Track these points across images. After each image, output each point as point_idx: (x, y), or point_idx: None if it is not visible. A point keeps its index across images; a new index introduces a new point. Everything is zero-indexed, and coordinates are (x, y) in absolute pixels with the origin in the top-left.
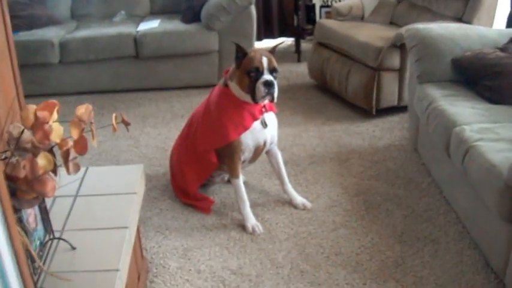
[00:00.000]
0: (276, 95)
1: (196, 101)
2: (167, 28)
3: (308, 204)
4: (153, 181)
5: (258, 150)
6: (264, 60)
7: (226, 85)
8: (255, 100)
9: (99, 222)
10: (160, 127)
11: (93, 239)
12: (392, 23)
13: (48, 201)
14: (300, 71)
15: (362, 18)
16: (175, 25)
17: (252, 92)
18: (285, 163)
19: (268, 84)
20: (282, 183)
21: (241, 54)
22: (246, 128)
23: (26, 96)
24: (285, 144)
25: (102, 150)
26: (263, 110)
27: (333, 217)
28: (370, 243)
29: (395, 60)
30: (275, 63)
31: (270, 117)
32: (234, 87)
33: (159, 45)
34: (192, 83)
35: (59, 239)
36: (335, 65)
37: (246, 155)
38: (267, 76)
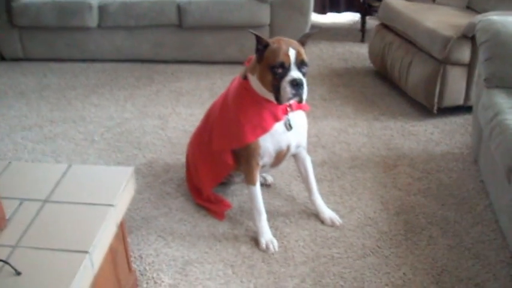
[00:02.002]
0: (305, 96)
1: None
2: None
3: (337, 221)
4: (170, 172)
5: (280, 155)
6: (291, 53)
7: (246, 78)
8: (279, 101)
9: (58, 240)
10: (194, 107)
11: (46, 262)
12: (469, 8)
13: (13, 205)
14: (362, 53)
15: (433, 0)
16: None
17: (276, 91)
18: (323, 164)
19: (296, 84)
20: (310, 192)
21: (262, 45)
22: (265, 131)
23: (64, 60)
24: (327, 140)
25: (125, 129)
26: (288, 109)
27: (364, 240)
28: (401, 280)
29: (465, 53)
30: (304, 56)
31: (297, 117)
32: (254, 82)
33: (204, 14)
34: (238, 58)
35: (1, 261)
36: (397, 52)
37: (266, 159)
38: (294, 73)
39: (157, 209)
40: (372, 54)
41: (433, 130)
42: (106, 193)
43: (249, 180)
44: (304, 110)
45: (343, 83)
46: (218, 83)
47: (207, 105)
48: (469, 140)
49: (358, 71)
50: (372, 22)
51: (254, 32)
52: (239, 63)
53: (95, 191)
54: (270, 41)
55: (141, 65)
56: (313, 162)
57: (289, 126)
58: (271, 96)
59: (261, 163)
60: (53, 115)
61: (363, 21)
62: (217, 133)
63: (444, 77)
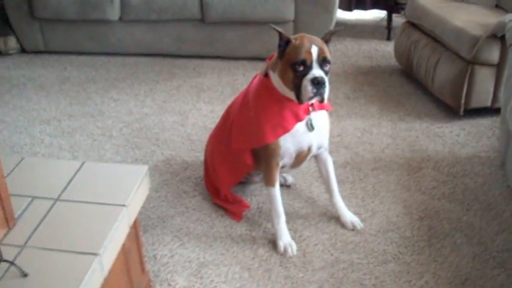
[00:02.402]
0: (326, 95)
1: None
2: None
3: (358, 224)
4: (188, 170)
5: (300, 156)
6: (314, 50)
7: (267, 75)
8: (300, 100)
9: (68, 241)
10: (215, 103)
11: (54, 264)
12: (498, 6)
13: (23, 203)
14: (387, 51)
15: None
16: None
17: (297, 89)
18: (345, 165)
19: (318, 83)
20: (331, 195)
21: (284, 41)
22: (286, 130)
23: (84, 53)
24: (350, 140)
25: (144, 125)
26: (310, 109)
27: (385, 245)
28: None
29: (494, 54)
30: (327, 54)
31: (320, 117)
32: (275, 79)
33: (227, 9)
34: (261, 55)
35: (8, 262)
36: (424, 51)
37: (286, 160)
38: (316, 71)
39: (173, 208)
40: (397, 52)
41: (459, 132)
42: (119, 192)
43: (268, 181)
44: (327, 110)
45: (367, 82)
46: (240, 79)
47: (229, 102)
48: (496, 143)
49: (384, 69)
50: (398, 20)
51: (276, 28)
52: (262, 59)
53: (108, 190)
54: (292, 37)
55: (162, 59)
56: (335, 162)
57: (310, 127)
58: (292, 95)
59: (281, 164)
60: (72, 109)
61: (389, 18)
62: (236, 132)
63: (472, 78)
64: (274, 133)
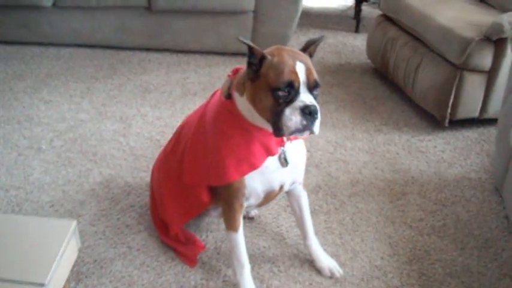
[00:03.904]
0: (318, 128)
1: (218, 73)
2: None
3: (337, 271)
4: (131, 196)
5: (270, 196)
6: (300, 69)
7: (230, 96)
8: (279, 133)
9: None
10: (162, 107)
11: None
12: (483, 1)
13: None
14: (357, 46)
15: None
16: None
17: (277, 120)
18: (317, 190)
19: (310, 113)
20: (305, 236)
21: (258, 59)
22: (253, 168)
23: (14, 43)
24: (321, 157)
25: (79, 135)
26: (284, 140)
27: None
28: None
29: (486, 59)
30: (315, 75)
31: (295, 147)
32: (243, 104)
33: None
34: (216, 49)
35: None
36: (402, 50)
37: (252, 201)
38: (305, 97)
39: (113, 248)
40: (371, 49)
41: (444, 147)
42: (36, 266)
43: (229, 226)
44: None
45: (337, 83)
46: (192, 77)
47: (178, 106)
48: (486, 161)
49: (354, 67)
50: (367, 9)
51: (246, 41)
52: (217, 53)
53: (22, 262)
54: (267, 51)
55: (102, 51)
56: (305, 186)
57: (284, 162)
58: (266, 125)
59: (245, 205)
60: None
61: (358, 8)
62: (190, 163)
63: (460, 85)
64: (239, 170)
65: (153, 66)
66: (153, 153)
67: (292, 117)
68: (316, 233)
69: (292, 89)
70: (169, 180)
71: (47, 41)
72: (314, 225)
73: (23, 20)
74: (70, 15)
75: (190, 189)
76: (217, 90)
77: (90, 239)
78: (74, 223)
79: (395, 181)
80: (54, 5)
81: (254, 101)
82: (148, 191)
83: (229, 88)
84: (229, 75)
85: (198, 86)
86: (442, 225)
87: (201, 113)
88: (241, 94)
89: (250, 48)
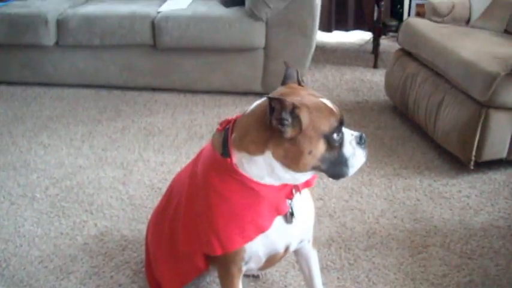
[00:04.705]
0: None
1: (227, 114)
2: (197, 11)
3: None
4: (127, 251)
5: (273, 259)
6: (330, 104)
7: (226, 156)
8: (339, 177)
9: None
10: (166, 152)
11: None
12: (507, 32)
13: None
14: (375, 82)
15: (467, 22)
16: (209, 8)
17: (336, 165)
18: (330, 243)
19: (364, 141)
20: None
21: (290, 109)
22: (261, 231)
23: (17, 83)
24: (335, 206)
25: (76, 183)
26: (293, 192)
27: None
28: None
29: None
30: None
31: (303, 198)
32: (254, 163)
33: (184, 33)
34: (225, 88)
35: None
36: (423, 87)
37: (252, 265)
38: (345, 130)
39: None
40: (389, 86)
41: (470, 192)
42: None
43: None
44: (309, 187)
45: (354, 122)
46: (199, 119)
47: (184, 150)
48: None
49: (372, 105)
50: (386, 43)
51: (276, 97)
52: (225, 93)
53: None
54: (285, 97)
55: (107, 92)
56: (317, 240)
57: (290, 217)
58: (281, 180)
59: (244, 268)
60: None
61: (376, 42)
62: (185, 230)
63: (485, 124)
64: (244, 236)
65: (159, 108)
66: (153, 202)
67: (355, 153)
68: None
69: (341, 128)
70: (161, 243)
71: (50, 82)
72: (325, 283)
73: (25, 60)
74: (73, 55)
75: (184, 254)
76: (202, 150)
77: None
78: None
79: (416, 232)
80: (56, 43)
81: (294, 157)
82: (144, 246)
83: (222, 145)
84: (218, 129)
85: (205, 128)
86: (468, 282)
87: (192, 172)
88: (255, 153)
89: (281, 102)
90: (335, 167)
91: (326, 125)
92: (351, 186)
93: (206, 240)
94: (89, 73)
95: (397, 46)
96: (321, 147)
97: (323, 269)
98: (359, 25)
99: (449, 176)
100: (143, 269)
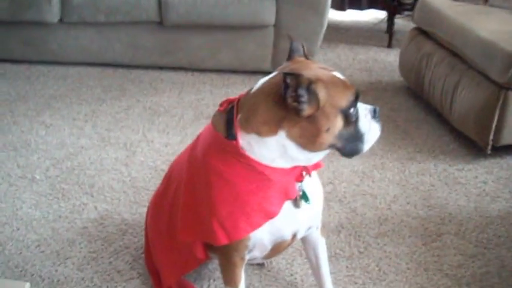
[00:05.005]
0: None
1: (235, 93)
2: None
3: None
4: (127, 235)
5: (279, 247)
6: (342, 78)
7: (232, 138)
8: (353, 155)
9: None
10: (171, 132)
11: None
12: None
13: None
14: (389, 62)
15: (486, 0)
16: None
17: (352, 141)
18: (339, 230)
19: (377, 114)
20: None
21: (306, 84)
22: (269, 217)
23: (20, 61)
24: (345, 190)
25: (78, 164)
26: (303, 174)
27: None
28: None
29: None
30: None
31: (312, 182)
32: (265, 145)
33: (191, 10)
34: (233, 66)
35: None
36: (439, 68)
37: (256, 253)
38: (360, 104)
39: None
40: (403, 66)
41: (487, 178)
42: None
43: (228, 281)
44: (318, 169)
45: (366, 103)
46: (206, 98)
47: (189, 131)
48: None
49: (386, 86)
50: (401, 22)
51: (293, 72)
52: (234, 72)
53: None
54: (297, 72)
55: (112, 70)
56: (325, 225)
57: (300, 200)
58: (293, 162)
59: (247, 257)
60: None
61: (391, 21)
62: (185, 219)
63: (504, 107)
64: (251, 222)
65: (166, 86)
66: (156, 185)
67: (371, 127)
68: (336, 282)
69: (357, 102)
70: (159, 229)
71: (54, 60)
72: (334, 272)
73: (28, 38)
74: (78, 32)
75: (183, 244)
76: (202, 133)
77: (76, 287)
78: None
79: (429, 219)
80: (60, 20)
81: (310, 136)
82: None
83: (228, 127)
84: (219, 110)
85: (212, 108)
86: (484, 273)
87: (191, 156)
88: (267, 134)
89: (297, 77)
90: (350, 143)
91: (343, 99)
92: (362, 169)
93: (209, 228)
94: (93, 51)
95: (412, 25)
96: (338, 123)
97: (331, 257)
98: (373, 3)
99: (465, 161)
100: (143, 255)
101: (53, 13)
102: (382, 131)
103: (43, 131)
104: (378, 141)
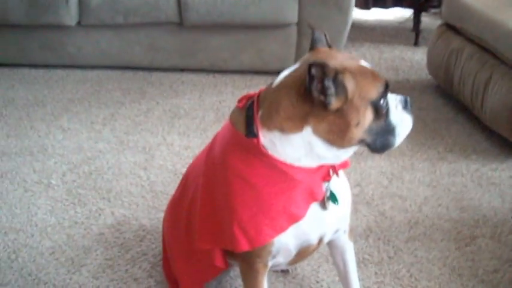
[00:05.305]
0: None
1: None
2: None
3: None
4: (145, 242)
5: (305, 252)
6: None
7: (252, 136)
8: (384, 150)
9: None
10: (192, 135)
11: None
12: None
13: None
14: (416, 60)
15: None
16: None
17: (382, 135)
18: (367, 234)
19: (409, 106)
20: None
21: (331, 77)
22: (295, 220)
23: (38, 66)
24: (373, 193)
25: (95, 169)
26: (331, 173)
27: None
28: None
29: None
30: None
31: (339, 182)
32: (283, 144)
33: (212, 9)
34: (256, 67)
35: None
36: (469, 64)
37: (280, 259)
38: (389, 94)
39: None
40: (432, 63)
41: None
42: None
43: None
44: (345, 168)
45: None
46: (228, 100)
47: (210, 133)
48: None
49: (413, 85)
50: (427, 20)
51: (318, 61)
52: (256, 73)
53: None
54: (323, 62)
55: (132, 74)
56: (353, 230)
57: (328, 202)
58: (319, 160)
59: (270, 264)
60: (8, 143)
61: (417, 19)
62: (203, 223)
63: None
64: (275, 227)
65: (186, 89)
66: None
67: (402, 119)
68: None
69: (387, 92)
70: (177, 237)
71: (73, 64)
72: (362, 279)
73: (47, 42)
74: (96, 35)
75: (201, 251)
76: (219, 132)
77: None
78: None
79: (462, 221)
80: (78, 23)
81: (339, 131)
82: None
83: (249, 124)
84: (238, 106)
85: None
86: None
87: (208, 157)
88: (291, 131)
89: (323, 67)
90: (381, 137)
91: (373, 90)
92: (391, 171)
93: (229, 234)
94: (113, 54)
95: (438, 23)
96: (368, 116)
97: (359, 262)
98: (398, 1)
99: (498, 160)
100: (161, 262)
101: (71, 16)
102: (411, 131)
103: (60, 135)
104: (407, 142)
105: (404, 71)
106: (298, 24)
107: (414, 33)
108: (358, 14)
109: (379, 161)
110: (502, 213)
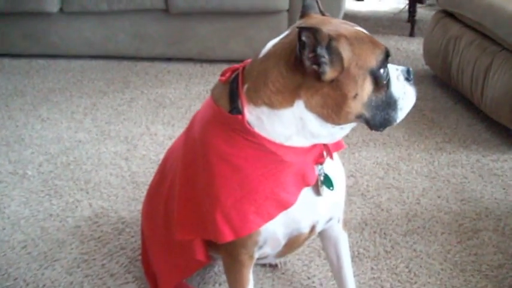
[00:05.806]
0: None
1: None
2: None
3: None
4: (123, 235)
5: (295, 242)
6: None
7: (237, 112)
8: (385, 126)
9: None
10: (177, 125)
11: None
12: None
13: None
14: (412, 51)
15: None
16: None
17: (383, 109)
18: (362, 227)
19: (412, 77)
20: None
21: (326, 42)
22: (284, 207)
23: (20, 56)
24: (368, 184)
25: (74, 159)
26: (324, 155)
27: None
28: None
29: None
30: None
31: (333, 165)
32: (272, 120)
33: None
34: (245, 56)
35: None
36: (468, 51)
37: (267, 250)
38: (390, 65)
39: None
40: (429, 53)
41: None
42: None
43: (233, 284)
44: (338, 150)
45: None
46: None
47: None
48: None
49: None
50: (422, 12)
51: (306, 25)
52: None
53: None
54: (312, 26)
55: (117, 63)
56: (346, 223)
57: (321, 186)
58: (313, 139)
59: (256, 255)
60: None
61: (412, 9)
62: (182, 212)
63: None
64: (262, 214)
65: (172, 78)
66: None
67: (405, 91)
68: (360, 286)
69: (387, 61)
70: (155, 227)
71: (56, 53)
72: (357, 275)
73: (28, 30)
74: (80, 22)
75: (180, 243)
76: (203, 104)
77: None
78: None
79: (464, 214)
80: (61, 10)
81: (335, 105)
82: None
83: (232, 99)
84: (221, 80)
85: None
86: None
87: (187, 138)
88: (281, 106)
89: (315, 33)
90: (381, 112)
91: (372, 58)
92: (387, 161)
93: (211, 223)
94: (96, 42)
95: (435, 11)
96: (367, 87)
97: (354, 257)
98: None
99: (499, 151)
100: (140, 257)
101: (53, 2)
102: (408, 121)
103: (39, 125)
104: (403, 131)
105: (400, 61)
106: (289, 11)
107: (409, 24)
108: (352, 5)
109: (374, 151)
110: (505, 206)
